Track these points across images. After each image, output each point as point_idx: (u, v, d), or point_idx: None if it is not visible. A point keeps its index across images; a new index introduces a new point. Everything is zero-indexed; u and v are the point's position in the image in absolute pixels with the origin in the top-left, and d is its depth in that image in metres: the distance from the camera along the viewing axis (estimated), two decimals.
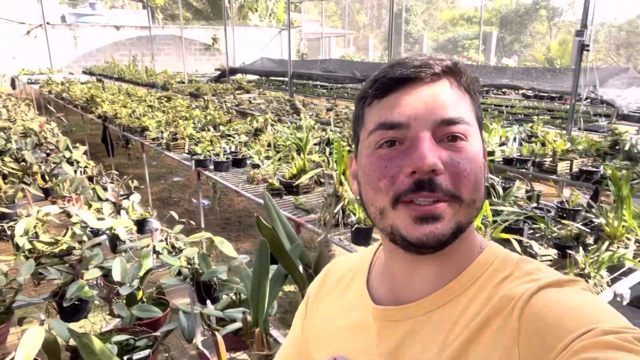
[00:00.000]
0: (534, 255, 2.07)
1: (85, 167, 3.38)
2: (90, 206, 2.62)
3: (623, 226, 2.20)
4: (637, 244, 2.20)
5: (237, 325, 1.44)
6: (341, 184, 2.53)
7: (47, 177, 3.25)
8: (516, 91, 8.55)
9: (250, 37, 18.19)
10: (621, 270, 2.02)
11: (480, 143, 0.62)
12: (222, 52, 16.38)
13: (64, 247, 2.12)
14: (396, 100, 0.59)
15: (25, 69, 13.53)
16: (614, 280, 1.94)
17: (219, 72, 12.67)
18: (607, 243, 2.08)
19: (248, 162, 3.72)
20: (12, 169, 3.24)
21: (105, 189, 2.88)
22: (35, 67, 13.70)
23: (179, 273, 1.84)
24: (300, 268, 1.33)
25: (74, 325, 2.02)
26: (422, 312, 0.62)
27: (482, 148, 0.63)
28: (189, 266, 1.80)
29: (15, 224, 2.29)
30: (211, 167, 3.68)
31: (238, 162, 3.69)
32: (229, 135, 4.49)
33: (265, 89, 10.31)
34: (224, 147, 3.91)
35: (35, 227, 2.31)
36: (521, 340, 0.51)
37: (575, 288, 0.55)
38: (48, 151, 3.98)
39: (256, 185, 3.26)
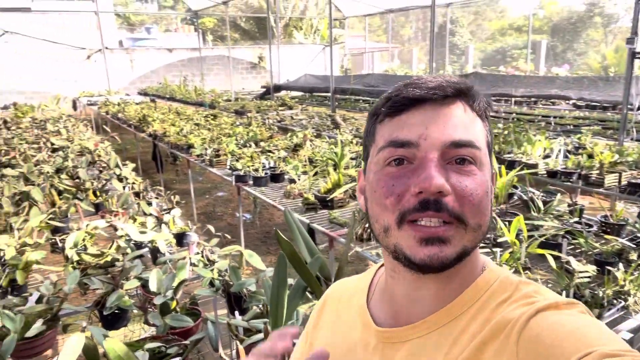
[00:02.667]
0: (571, 272, 1.99)
1: (133, 183, 3.58)
2: (134, 220, 2.77)
3: None
4: None
5: (262, 335, 1.49)
6: None
7: (98, 192, 3.46)
8: (567, 101, 8.24)
9: (294, 54, 18.59)
10: None
11: (489, 168, 0.63)
12: (267, 70, 16.82)
13: (109, 259, 2.25)
14: (408, 119, 0.60)
15: (85, 91, 14.42)
16: None
17: (264, 90, 13.00)
18: None
19: (286, 177, 3.80)
20: (67, 185, 3.48)
21: (150, 204, 3.04)
22: (94, 90, 14.58)
23: (212, 284, 1.92)
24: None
25: (114, 334, 2.14)
26: (422, 334, 0.62)
27: (490, 173, 0.63)
28: (220, 278, 1.88)
29: (66, 237, 2.46)
30: (250, 182, 3.79)
31: (276, 177, 3.79)
32: (269, 151, 4.61)
33: (308, 105, 10.48)
34: (263, 163, 4.02)
35: (84, 240, 2.47)
36: None
37: (573, 311, 0.54)
38: (101, 168, 4.23)
39: (293, 199, 3.33)
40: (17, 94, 14.14)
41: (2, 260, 2.18)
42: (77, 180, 3.61)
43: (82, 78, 15.50)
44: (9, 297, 1.89)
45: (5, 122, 7.51)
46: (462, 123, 0.60)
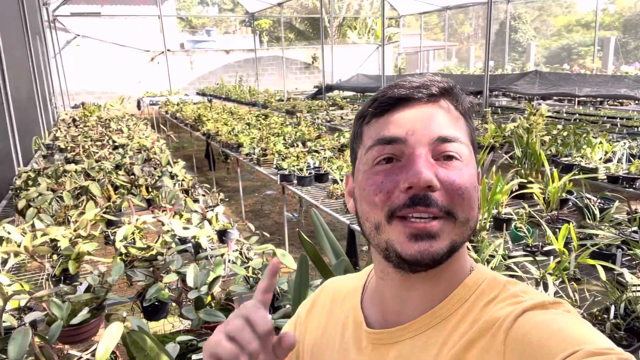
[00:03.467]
0: (623, 285, 1.86)
1: (183, 180, 3.71)
2: (181, 216, 2.88)
3: None
4: None
5: None
6: None
7: (150, 189, 3.62)
8: (636, 102, 7.69)
9: (348, 54, 18.59)
10: None
11: (474, 165, 0.63)
12: (320, 70, 16.94)
13: (154, 252, 2.35)
14: (394, 118, 0.61)
15: (148, 91, 15.16)
16: None
17: (316, 89, 13.10)
18: None
19: (329, 177, 3.81)
20: (123, 181, 3.67)
21: (196, 201, 3.14)
22: (157, 90, 15.30)
23: (247, 281, 1.96)
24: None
25: (154, 325, 2.23)
26: (411, 335, 0.63)
27: (476, 171, 0.63)
28: (254, 275, 1.91)
29: (118, 230, 2.60)
30: (295, 181, 3.83)
31: (320, 177, 3.80)
32: (316, 151, 4.64)
33: (359, 105, 10.44)
34: (308, 163, 4.04)
35: (133, 233, 2.60)
36: None
37: (559, 310, 0.55)
38: (155, 165, 4.43)
39: (335, 200, 3.33)
40: (87, 94, 15.10)
41: (58, 250, 2.33)
42: (132, 176, 3.80)
43: (145, 79, 16.31)
44: (61, 285, 2.02)
45: (74, 120, 8.04)
46: (447, 120, 0.62)
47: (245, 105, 11.03)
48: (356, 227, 2.79)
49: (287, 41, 20.57)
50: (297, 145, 4.95)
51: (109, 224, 3.05)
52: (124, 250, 2.32)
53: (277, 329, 1.61)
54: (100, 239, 2.81)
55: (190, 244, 2.61)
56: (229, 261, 2.17)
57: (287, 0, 15.59)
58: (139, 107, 14.67)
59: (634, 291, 1.80)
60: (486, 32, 6.75)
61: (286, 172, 3.89)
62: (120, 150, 5.14)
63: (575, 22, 31.60)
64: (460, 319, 0.60)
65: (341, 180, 3.54)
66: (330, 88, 11.98)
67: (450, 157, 0.60)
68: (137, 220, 2.73)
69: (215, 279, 1.84)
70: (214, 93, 14.23)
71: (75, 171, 3.94)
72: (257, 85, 15.51)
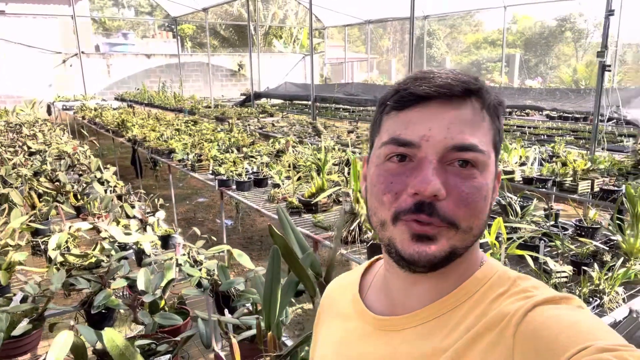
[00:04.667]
0: (548, 272, 2.07)
1: (115, 186, 3.54)
2: (118, 223, 2.75)
3: None
4: None
5: (253, 332, 1.51)
6: (357, 201, 2.60)
7: (79, 196, 3.41)
8: (540, 112, 8.50)
9: (274, 62, 18.66)
10: (638, 288, 2.01)
11: (492, 170, 0.62)
12: (247, 77, 16.83)
13: (93, 260, 2.23)
14: (412, 117, 0.59)
15: (60, 95, 14.16)
16: (630, 297, 1.93)
17: (244, 97, 13.00)
18: (622, 260, 2.07)
19: (269, 182, 3.82)
20: (47, 188, 3.42)
21: (132, 207, 3.02)
22: (70, 94, 14.33)
23: (200, 285, 1.93)
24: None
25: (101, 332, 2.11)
26: (418, 323, 0.63)
27: (494, 174, 0.62)
28: (209, 277, 1.89)
29: (48, 239, 2.43)
30: (233, 187, 3.79)
31: (259, 182, 3.80)
32: (252, 157, 4.63)
33: (289, 113, 10.53)
34: (246, 168, 4.03)
35: (67, 241, 2.44)
36: (516, 357, 0.51)
37: (570, 305, 0.55)
38: (80, 172, 4.17)
39: (276, 203, 3.35)
40: None
41: None
42: (57, 183, 3.56)
43: (57, 82, 15.22)
44: None
45: None
46: (468, 124, 0.59)
47: (170, 111, 10.68)
48: (300, 229, 2.83)
49: (212, 48, 20.21)
50: (232, 151, 4.90)
51: (35, 233, 2.84)
52: (60, 259, 2.18)
53: (239, 327, 1.61)
54: (27, 249, 2.61)
55: (131, 251, 2.51)
56: (177, 265, 2.12)
57: (212, 5, 15.36)
58: (49, 112, 13.65)
59: (558, 277, 2.01)
60: (409, 44, 7.14)
61: (224, 178, 3.85)
62: (38, 156, 4.78)
63: (483, 39, 34.17)
64: (467, 311, 0.60)
65: (282, 183, 3.58)
66: (258, 96, 11.96)
67: (465, 163, 0.58)
68: (70, 227, 2.58)
69: (169, 282, 1.80)
70: (134, 98, 13.61)
71: None
72: (182, 92, 15.06)
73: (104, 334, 1.05)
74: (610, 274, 1.96)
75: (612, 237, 2.36)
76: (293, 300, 1.47)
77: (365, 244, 2.47)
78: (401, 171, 0.59)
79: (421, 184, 0.56)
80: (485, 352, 0.54)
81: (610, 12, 4.36)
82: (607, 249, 2.28)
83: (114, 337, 1.06)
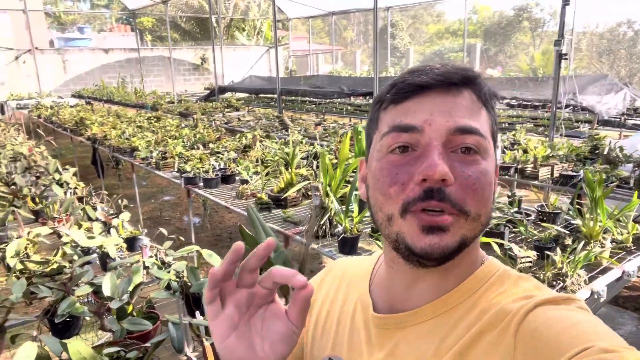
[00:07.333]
0: (514, 258, 2.13)
1: (75, 188, 3.42)
2: (80, 226, 2.66)
3: (599, 226, 2.28)
4: (613, 243, 2.27)
5: None
6: (327, 195, 2.60)
7: (37, 199, 3.28)
8: (500, 101, 8.72)
9: (238, 56, 18.39)
10: (598, 269, 2.09)
11: (493, 158, 0.61)
12: (211, 71, 16.53)
13: (55, 266, 2.15)
14: (412, 105, 0.59)
15: (14, 94, 13.55)
16: (591, 279, 2.01)
17: (208, 92, 12.77)
18: (583, 243, 2.15)
19: (237, 178, 3.77)
20: (2, 192, 3.27)
21: (95, 209, 2.92)
22: (24, 92, 13.73)
23: (169, 287, 1.88)
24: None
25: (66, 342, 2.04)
26: (418, 321, 0.63)
27: (494, 163, 0.62)
28: (178, 279, 1.85)
29: (6, 246, 2.32)
30: (201, 184, 3.73)
31: (227, 179, 3.75)
32: (218, 153, 4.56)
33: (255, 107, 10.42)
34: (213, 164, 3.96)
35: (26, 248, 2.34)
36: (517, 357, 0.52)
37: (571, 306, 0.55)
38: (38, 174, 4.01)
39: (245, 200, 3.32)
40: None
41: None
42: (13, 186, 3.40)
43: (9, 80, 14.55)
44: None
45: None
46: (468, 111, 0.59)
47: (131, 107, 10.38)
48: (271, 224, 2.81)
49: (173, 41, 19.73)
50: (198, 148, 4.81)
51: None
52: (20, 267, 2.09)
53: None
54: None
55: (95, 255, 2.43)
56: (145, 268, 2.07)
57: None
58: (2, 111, 13.04)
59: (523, 262, 2.07)
60: (374, 35, 7.16)
61: (191, 175, 3.77)
62: None
63: (444, 30, 34.73)
64: (467, 310, 0.60)
65: (250, 179, 3.54)
66: (223, 90, 11.76)
67: (468, 150, 0.58)
68: (29, 233, 2.47)
69: (137, 286, 1.75)
70: (93, 95, 13.18)
71: None
72: (143, 87, 14.67)
73: (68, 346, 1.00)
74: (572, 257, 2.03)
75: (573, 222, 2.45)
76: None
77: (336, 237, 2.48)
78: (405, 162, 0.58)
79: (429, 168, 0.55)
80: (486, 352, 0.54)
81: (566, 2, 4.48)
82: (568, 232, 2.36)
83: (79, 348, 1.02)
